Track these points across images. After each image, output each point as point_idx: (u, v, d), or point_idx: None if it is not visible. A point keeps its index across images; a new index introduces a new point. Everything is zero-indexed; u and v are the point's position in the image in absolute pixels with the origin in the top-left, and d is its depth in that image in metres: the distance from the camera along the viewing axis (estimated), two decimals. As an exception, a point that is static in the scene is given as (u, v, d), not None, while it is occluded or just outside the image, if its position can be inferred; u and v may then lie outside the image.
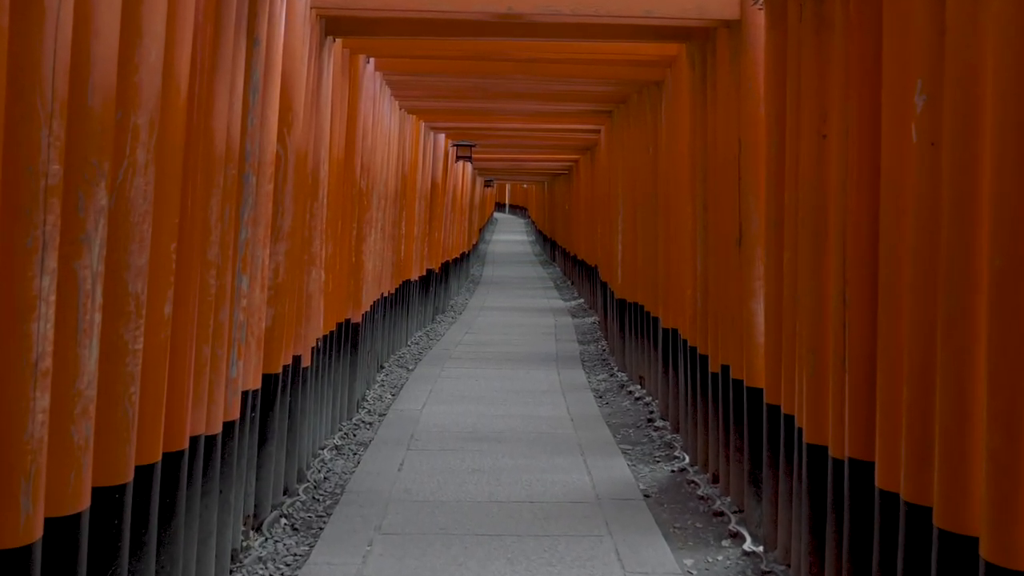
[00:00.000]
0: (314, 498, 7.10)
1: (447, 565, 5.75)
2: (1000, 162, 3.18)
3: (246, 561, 5.77)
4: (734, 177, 6.93)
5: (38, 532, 3.11)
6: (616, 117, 13.57)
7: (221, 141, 4.95)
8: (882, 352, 4.25)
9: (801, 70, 5.39)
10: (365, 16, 7.70)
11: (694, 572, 5.84)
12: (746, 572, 5.85)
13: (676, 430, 9.18)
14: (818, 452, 5.01)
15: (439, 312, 19.71)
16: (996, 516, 3.16)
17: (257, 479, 6.31)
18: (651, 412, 10.21)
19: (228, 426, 5.40)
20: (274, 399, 6.55)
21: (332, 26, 7.85)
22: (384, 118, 11.50)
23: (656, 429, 9.50)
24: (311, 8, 7.17)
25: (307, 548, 6.10)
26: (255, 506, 6.28)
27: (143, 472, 4.06)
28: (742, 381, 6.68)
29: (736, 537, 6.38)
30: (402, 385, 11.81)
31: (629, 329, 12.50)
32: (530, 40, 8.58)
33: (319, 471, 7.75)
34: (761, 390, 6.24)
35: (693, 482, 7.61)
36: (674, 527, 6.65)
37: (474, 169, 27.63)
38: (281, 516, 6.56)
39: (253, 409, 6.03)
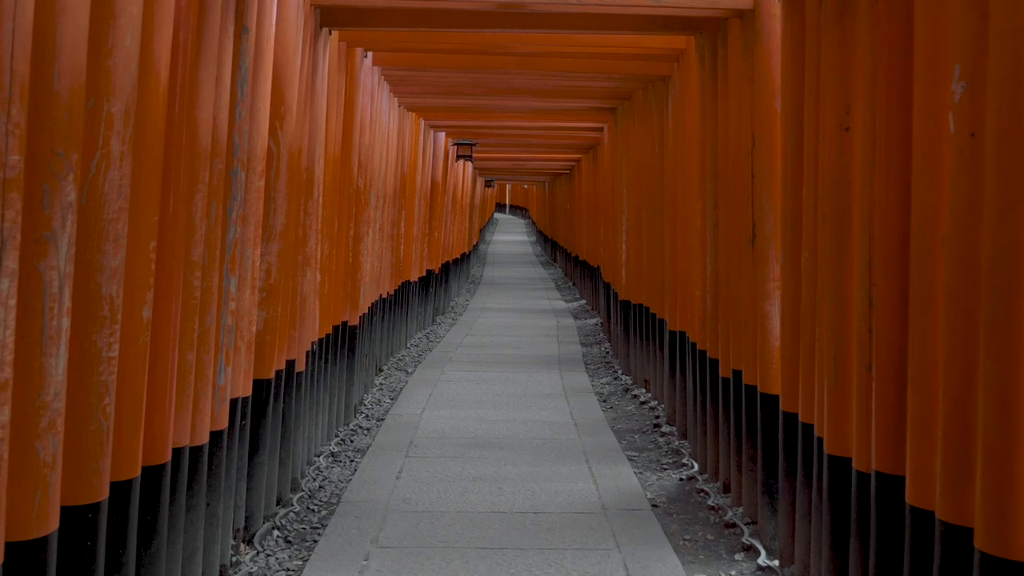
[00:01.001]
0: (309, 508, 6.82)
1: (447, 581, 5.48)
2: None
3: (235, 577, 5.49)
4: (747, 174, 6.66)
5: (-4, 559, 2.83)
6: (620, 114, 13.30)
7: (206, 133, 4.66)
8: (914, 358, 3.95)
9: (821, 60, 5.11)
10: (361, 6, 7.42)
11: (707, 588, 5.57)
12: (762, 588, 5.58)
13: (684, 436, 8.90)
14: (841, 464, 4.71)
15: (439, 314, 19.46)
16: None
17: (248, 490, 6.03)
18: (657, 417, 9.94)
19: (216, 436, 5.11)
20: (266, 406, 6.26)
21: (327, 16, 7.56)
22: (382, 115, 11.21)
23: (663, 435, 9.21)
24: (305, -3, 6.89)
25: (300, 563, 5.81)
26: (246, 518, 6.00)
27: (120, 488, 3.78)
28: (755, 387, 6.40)
29: (750, 551, 6.09)
30: (401, 389, 11.52)
31: (634, 331, 12.23)
32: (532, 32, 8.30)
33: (314, 479, 7.47)
34: (777, 397, 5.97)
35: (703, 491, 7.32)
36: (684, 539, 6.36)
37: (475, 169, 27.43)
38: (274, 528, 6.28)
39: (243, 417, 5.75)
